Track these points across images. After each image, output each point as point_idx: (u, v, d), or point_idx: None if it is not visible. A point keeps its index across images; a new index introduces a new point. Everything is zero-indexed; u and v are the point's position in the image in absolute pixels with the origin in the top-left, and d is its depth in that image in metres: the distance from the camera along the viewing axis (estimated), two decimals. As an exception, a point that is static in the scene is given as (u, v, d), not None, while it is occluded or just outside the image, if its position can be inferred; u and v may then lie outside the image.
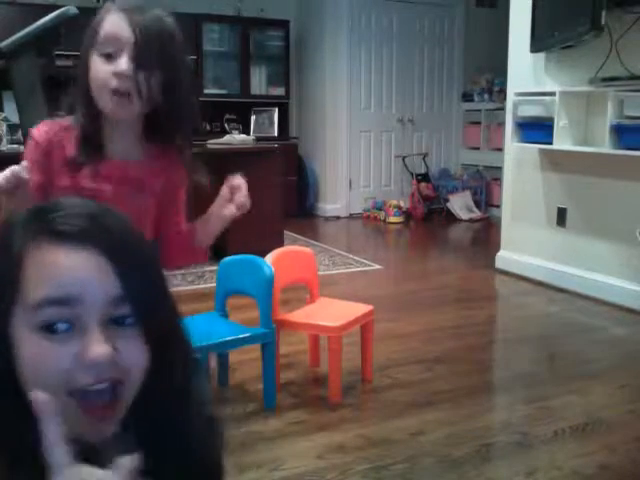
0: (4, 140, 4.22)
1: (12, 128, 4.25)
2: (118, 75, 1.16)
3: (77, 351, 0.63)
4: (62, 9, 2.68)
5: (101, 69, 1.18)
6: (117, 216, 0.70)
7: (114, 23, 1.19)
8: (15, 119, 3.71)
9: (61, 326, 0.63)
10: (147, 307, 0.67)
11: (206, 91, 6.45)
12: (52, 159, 1.24)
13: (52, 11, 2.68)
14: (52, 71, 5.49)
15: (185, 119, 1.26)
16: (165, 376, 0.70)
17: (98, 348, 0.63)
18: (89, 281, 0.64)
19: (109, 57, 1.18)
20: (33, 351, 0.63)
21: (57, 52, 5.58)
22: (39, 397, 0.59)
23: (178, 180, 1.35)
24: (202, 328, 2.33)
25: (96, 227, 0.67)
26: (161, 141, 1.28)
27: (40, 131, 1.27)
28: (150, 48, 1.18)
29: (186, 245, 1.40)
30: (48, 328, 0.63)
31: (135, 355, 0.67)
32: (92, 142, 1.22)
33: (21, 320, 0.64)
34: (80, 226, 0.66)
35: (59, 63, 5.79)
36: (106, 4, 1.24)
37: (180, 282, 4.10)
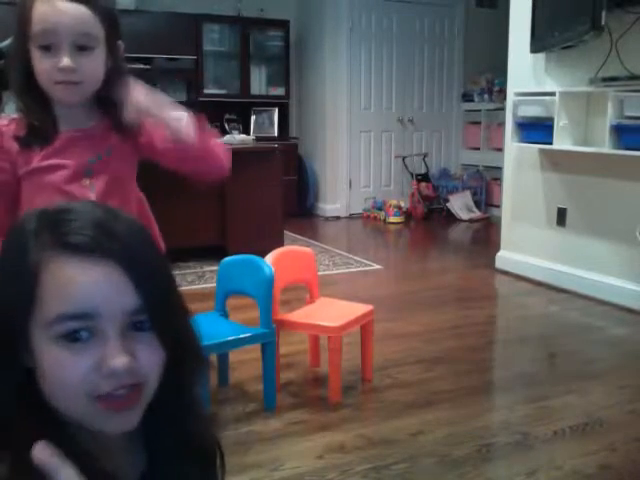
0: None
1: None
2: (61, 69, 1.15)
3: (97, 360, 0.64)
4: (62, 9, 2.68)
5: (43, 64, 1.16)
6: (125, 219, 0.70)
7: (48, 13, 1.13)
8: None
9: (83, 335, 0.64)
10: (163, 312, 0.68)
11: (206, 91, 6.45)
12: (8, 151, 1.23)
13: (52, 11, 2.68)
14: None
15: (122, 79, 1.26)
16: (176, 375, 0.72)
17: (118, 359, 0.64)
18: (107, 296, 0.65)
19: (47, 49, 1.15)
20: (53, 361, 0.64)
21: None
22: (41, 454, 0.60)
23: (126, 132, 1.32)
24: (202, 328, 2.33)
25: (108, 237, 0.66)
26: (110, 108, 1.28)
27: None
28: (107, 21, 1.18)
29: (178, 152, 1.35)
30: (68, 337, 0.64)
31: (153, 360, 0.68)
32: (44, 124, 1.22)
33: (40, 333, 0.64)
34: (93, 237, 0.66)
35: (59, 63, 5.81)
36: None
37: (180, 282, 4.09)
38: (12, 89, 1.23)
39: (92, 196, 1.26)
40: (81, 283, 0.64)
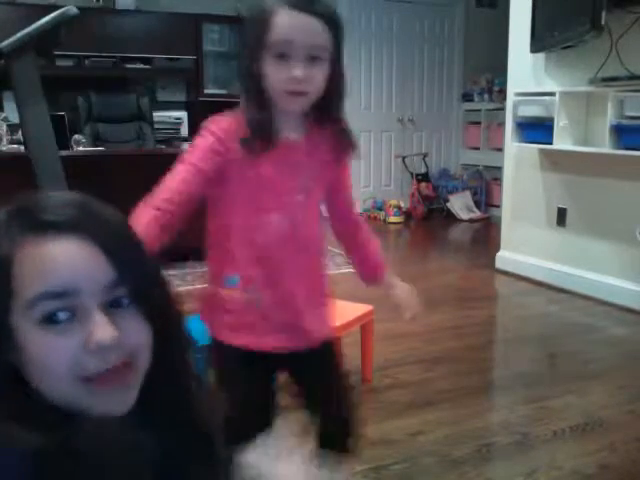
0: (4, 140, 4.23)
1: (12, 128, 4.25)
2: (293, 79, 1.19)
3: (82, 338, 0.63)
4: (62, 9, 2.68)
5: (277, 72, 1.20)
6: (102, 204, 0.70)
7: (287, 24, 1.19)
8: (15, 119, 3.71)
9: (62, 315, 0.63)
10: (141, 286, 0.67)
11: (206, 91, 6.45)
12: (228, 151, 1.25)
13: (52, 11, 2.68)
14: (52, 71, 5.51)
15: (340, 98, 1.30)
16: (165, 354, 0.71)
17: (104, 332, 0.63)
18: (83, 270, 0.64)
19: (282, 57, 1.19)
20: (38, 345, 0.63)
21: (57, 52, 5.59)
22: None
23: (341, 152, 1.37)
24: (202, 328, 2.33)
25: (83, 214, 0.66)
26: (323, 117, 1.31)
27: (218, 124, 1.27)
28: (335, 34, 1.22)
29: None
30: (49, 319, 0.63)
31: (139, 333, 0.67)
32: (264, 131, 1.24)
33: (21, 317, 0.64)
34: (67, 214, 0.66)
35: (59, 63, 5.80)
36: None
37: (180, 282, 4.10)
38: (241, 89, 1.27)
39: (303, 217, 1.30)
40: (57, 260, 0.63)
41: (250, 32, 1.23)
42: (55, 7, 3.46)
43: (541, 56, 3.93)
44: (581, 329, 3.30)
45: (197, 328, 2.44)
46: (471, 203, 6.65)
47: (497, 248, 4.50)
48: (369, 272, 1.51)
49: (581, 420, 2.25)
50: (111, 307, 0.66)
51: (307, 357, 1.34)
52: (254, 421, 1.23)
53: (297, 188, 1.29)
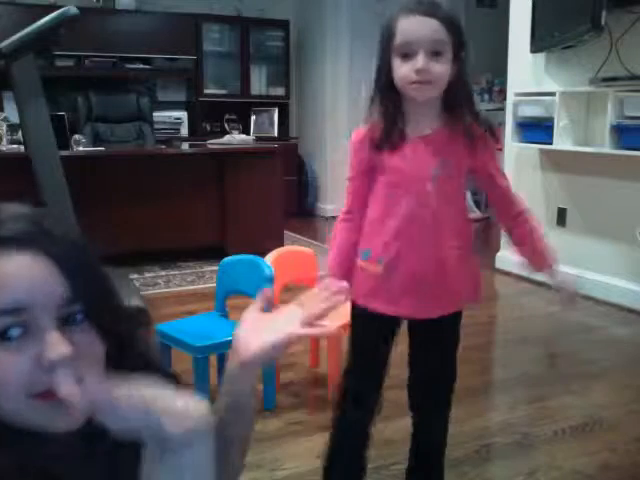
0: (4, 140, 4.22)
1: (12, 128, 4.25)
2: (417, 71, 1.36)
3: (35, 355, 0.62)
4: (62, 9, 2.68)
5: (402, 68, 1.39)
6: (56, 217, 0.68)
7: (410, 28, 1.38)
8: (15, 119, 3.71)
9: (15, 332, 0.62)
10: (96, 302, 0.66)
11: (206, 91, 6.45)
12: (370, 154, 1.48)
13: (52, 11, 2.68)
14: (52, 71, 5.52)
15: (467, 91, 1.48)
16: (119, 370, 0.68)
17: (57, 348, 0.61)
18: (37, 286, 0.63)
19: (406, 56, 1.38)
20: None
21: (57, 52, 5.59)
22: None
23: (474, 141, 1.47)
24: (202, 328, 2.33)
25: (36, 229, 0.65)
26: (458, 112, 1.46)
27: (358, 135, 1.53)
28: (454, 33, 1.40)
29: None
30: (1, 336, 0.61)
31: (93, 349, 0.65)
32: (396, 126, 1.44)
33: None
34: (20, 229, 0.64)
35: (59, 63, 5.80)
36: (399, 8, 1.40)
37: (180, 282, 4.10)
38: (376, 94, 1.48)
39: (432, 201, 1.44)
40: (9, 276, 0.62)
41: (381, 39, 1.44)
42: (55, 7, 3.46)
43: (541, 56, 3.93)
44: (581, 329, 3.30)
45: (197, 328, 2.44)
46: (471, 203, 6.65)
47: (497, 248, 4.50)
48: (536, 262, 1.58)
49: (581, 420, 2.25)
50: (65, 323, 0.64)
51: (426, 326, 1.56)
52: (371, 377, 1.65)
53: (428, 177, 1.44)
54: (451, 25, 1.39)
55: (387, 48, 1.42)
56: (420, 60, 1.36)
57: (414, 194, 1.44)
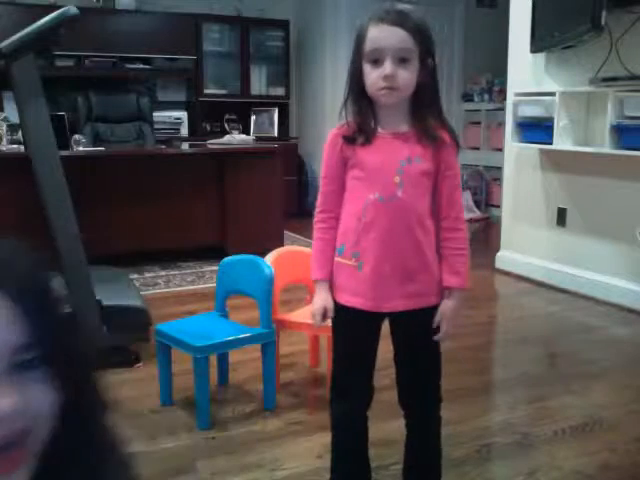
0: (4, 140, 4.22)
1: (12, 128, 4.25)
2: (385, 77, 1.44)
3: None
4: (62, 9, 2.67)
5: (372, 74, 1.47)
6: (16, 252, 0.62)
7: (378, 36, 1.45)
8: (15, 119, 3.71)
9: None
10: (56, 348, 0.61)
11: (206, 91, 6.46)
12: (342, 150, 1.56)
13: (52, 11, 2.68)
14: (52, 71, 5.52)
15: (432, 95, 1.54)
16: (76, 422, 0.63)
17: (4, 400, 0.56)
18: None
19: (376, 62, 1.45)
20: None
21: (57, 52, 5.59)
22: None
23: (433, 145, 1.52)
24: (202, 328, 2.34)
25: None
26: (423, 114, 1.52)
27: (332, 134, 1.61)
28: (420, 42, 1.46)
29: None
30: None
31: (43, 399, 0.60)
32: (366, 125, 1.51)
33: None
34: None
35: (59, 63, 5.80)
36: (370, 16, 1.48)
37: (180, 282, 4.10)
38: (349, 96, 1.54)
39: (400, 194, 1.49)
40: None
41: (354, 46, 1.50)
42: (55, 7, 3.46)
43: (541, 56, 3.93)
44: (581, 329, 3.30)
45: (196, 328, 2.44)
46: (471, 203, 6.65)
47: (497, 248, 4.50)
48: (445, 277, 1.65)
49: (581, 420, 2.25)
50: (18, 369, 0.58)
51: (404, 319, 1.57)
52: (357, 371, 1.65)
53: (395, 170, 1.50)
54: (418, 34, 1.45)
55: (358, 54, 1.49)
56: (387, 67, 1.43)
57: (381, 186, 1.50)
